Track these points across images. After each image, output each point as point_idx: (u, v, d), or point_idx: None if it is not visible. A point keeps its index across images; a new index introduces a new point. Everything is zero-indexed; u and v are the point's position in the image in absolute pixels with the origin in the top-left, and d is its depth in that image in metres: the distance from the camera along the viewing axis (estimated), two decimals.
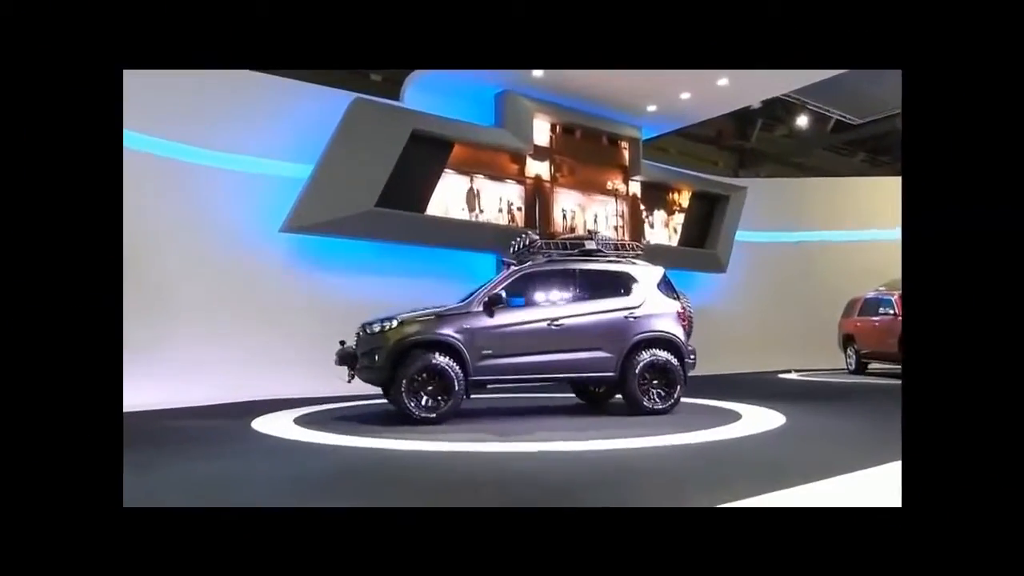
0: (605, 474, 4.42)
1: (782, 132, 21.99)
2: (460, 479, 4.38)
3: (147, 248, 9.96)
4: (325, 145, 11.09)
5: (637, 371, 7.31)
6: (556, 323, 7.26)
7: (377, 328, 6.96)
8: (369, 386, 7.36)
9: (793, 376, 14.06)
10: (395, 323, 6.91)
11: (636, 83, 12.94)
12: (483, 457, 5.14)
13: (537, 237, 7.95)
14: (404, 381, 6.67)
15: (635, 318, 7.51)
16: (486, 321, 7.04)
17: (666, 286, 7.92)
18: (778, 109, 19.75)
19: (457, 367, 6.79)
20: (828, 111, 19.18)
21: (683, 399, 7.74)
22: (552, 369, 7.30)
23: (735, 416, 7.08)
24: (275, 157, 11.34)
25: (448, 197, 12.41)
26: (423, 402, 6.73)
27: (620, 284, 7.77)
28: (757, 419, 6.83)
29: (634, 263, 8.07)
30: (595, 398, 8.76)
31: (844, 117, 19.45)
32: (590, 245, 8.02)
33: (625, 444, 5.42)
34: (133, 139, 9.72)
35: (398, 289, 11.41)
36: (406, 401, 6.67)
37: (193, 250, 10.54)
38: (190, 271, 10.44)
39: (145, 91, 9.67)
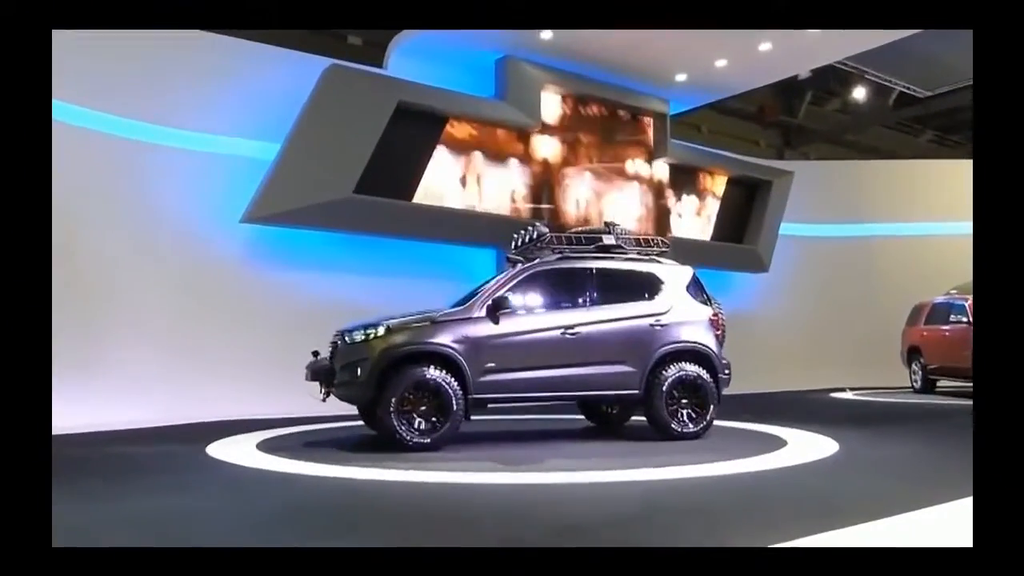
0: (629, 509, 4.42)
1: (835, 106, 21.95)
2: (457, 515, 4.37)
3: (84, 242, 9.97)
4: (294, 120, 11.10)
5: (665, 388, 7.35)
6: (571, 331, 7.27)
7: (359, 336, 6.92)
8: (346, 405, 7.36)
9: (848, 395, 14.02)
10: (381, 330, 6.86)
11: (663, 47, 12.92)
12: (484, 490, 5.13)
13: (547, 230, 7.97)
14: (393, 400, 6.62)
15: (662, 326, 7.56)
16: (490, 328, 7.03)
17: (696, 289, 7.97)
18: (831, 80, 19.71)
19: (455, 383, 6.77)
20: (890, 82, 19.14)
21: (716, 422, 7.73)
22: (566, 386, 7.32)
23: (779, 443, 7.09)
24: (236, 134, 11.35)
25: (440, 182, 12.41)
26: (416, 425, 6.70)
27: (644, 286, 7.80)
28: (805, 446, 6.83)
29: (659, 262, 8.10)
30: (608, 420, 8.77)
31: (909, 89, 19.42)
32: (608, 240, 8.03)
33: (651, 475, 5.44)
34: (66, 111, 9.72)
35: (380, 290, 11.40)
36: (396, 424, 6.62)
37: (138, 244, 10.55)
38: (135, 269, 10.45)
39: (80, 56, 9.68)
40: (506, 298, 7.12)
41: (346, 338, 7.02)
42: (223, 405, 9.95)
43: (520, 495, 4.95)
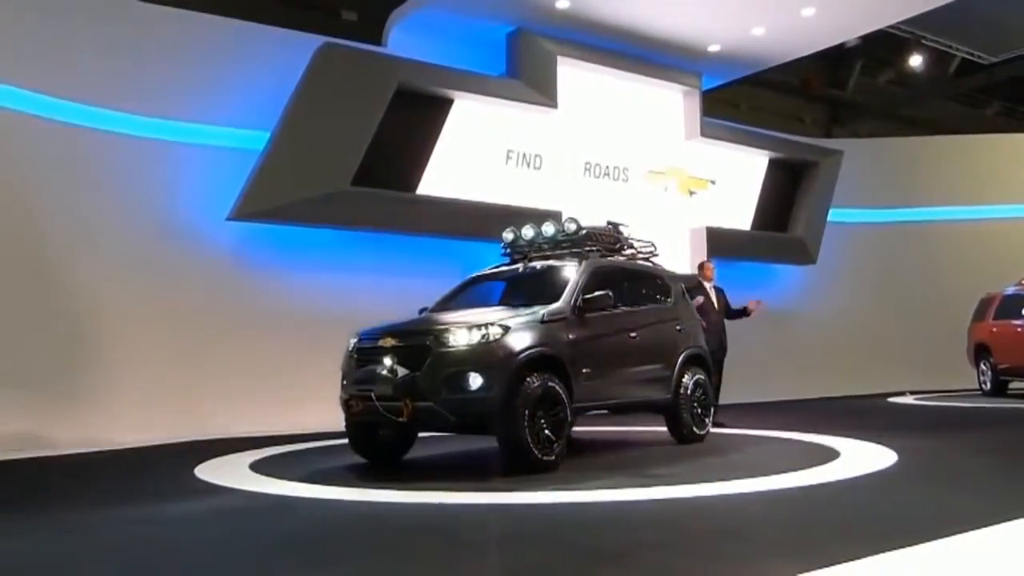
0: (656, 534, 4.40)
1: (889, 77, 21.81)
2: (471, 539, 4.37)
3: (51, 245, 10.05)
4: (284, 106, 11.14)
5: (690, 391, 8.10)
6: (633, 334, 7.73)
7: (477, 336, 6.42)
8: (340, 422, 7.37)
9: (908, 400, 13.97)
10: (496, 331, 6.45)
11: (694, 14, 12.88)
12: (497, 511, 5.15)
13: (583, 225, 8.12)
14: (527, 413, 6.31)
15: (679, 330, 8.34)
16: (582, 330, 7.12)
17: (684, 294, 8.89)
18: (883, 47, 19.59)
19: (564, 392, 6.68)
20: (951, 47, 18.99)
21: (761, 432, 8.22)
22: (627, 392, 7.72)
23: (831, 454, 7.06)
24: (220, 123, 11.39)
25: (446, 171, 12.42)
26: (539, 441, 6.41)
27: (662, 289, 8.53)
28: (859, 458, 6.80)
29: (655, 263, 8.79)
30: None
31: (972, 55, 19.26)
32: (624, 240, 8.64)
33: (683, 492, 5.45)
34: (22, 99, 9.73)
35: (382, 290, 11.39)
36: (530, 440, 6.32)
37: (115, 246, 10.59)
38: (112, 274, 10.49)
39: (40, 38, 9.75)
40: (607, 296, 7.18)
41: (443, 340, 6.48)
42: (211, 422, 10.02)
43: (540, 516, 4.96)
